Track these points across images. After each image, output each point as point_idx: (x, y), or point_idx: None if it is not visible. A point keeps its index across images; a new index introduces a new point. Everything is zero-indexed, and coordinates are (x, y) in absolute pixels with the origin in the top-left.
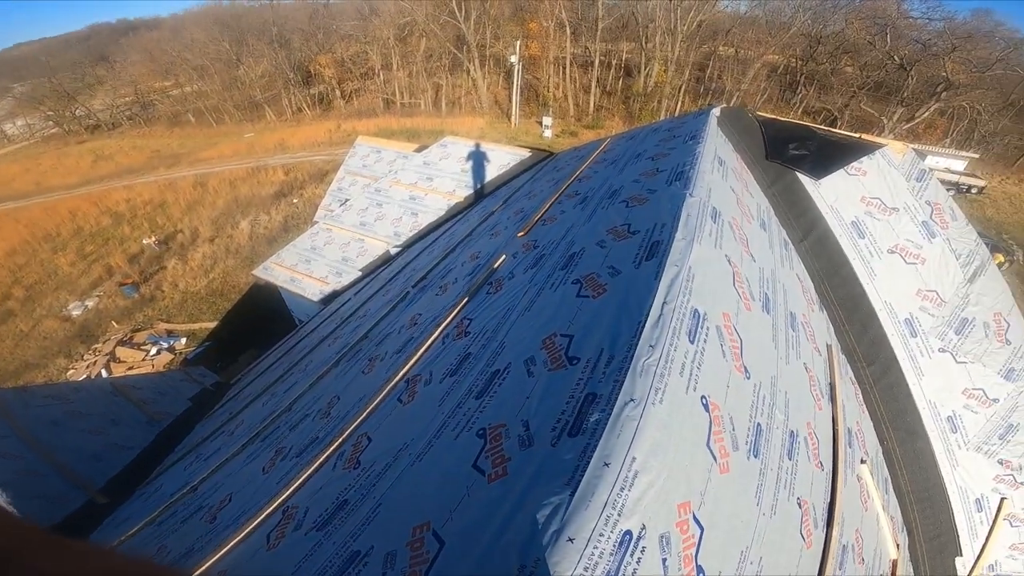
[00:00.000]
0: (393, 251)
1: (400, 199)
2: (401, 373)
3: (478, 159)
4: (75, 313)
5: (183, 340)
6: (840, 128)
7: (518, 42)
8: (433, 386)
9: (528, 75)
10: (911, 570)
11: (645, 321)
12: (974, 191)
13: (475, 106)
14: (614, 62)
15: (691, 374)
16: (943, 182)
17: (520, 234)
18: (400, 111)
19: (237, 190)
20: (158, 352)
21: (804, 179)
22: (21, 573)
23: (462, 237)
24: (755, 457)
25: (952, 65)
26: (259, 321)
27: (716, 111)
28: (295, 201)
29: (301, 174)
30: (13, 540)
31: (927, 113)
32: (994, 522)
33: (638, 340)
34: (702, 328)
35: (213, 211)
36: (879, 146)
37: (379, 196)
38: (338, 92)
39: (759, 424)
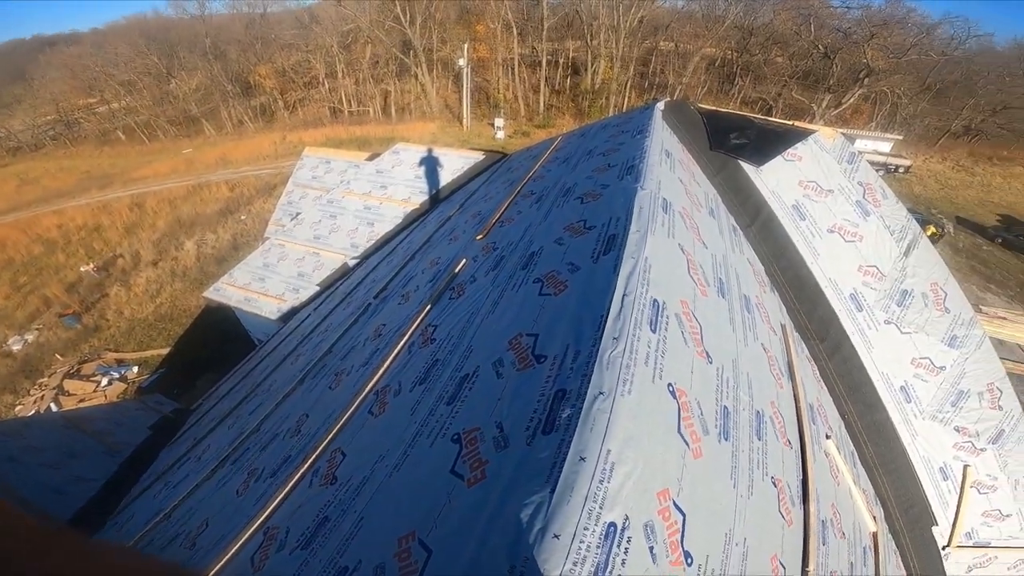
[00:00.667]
0: (351, 263)
1: (354, 209)
2: (370, 385)
3: (432, 165)
4: (15, 348)
5: (135, 369)
6: (776, 116)
7: (465, 45)
8: (403, 396)
9: (477, 77)
10: (892, 542)
11: (607, 314)
12: (901, 170)
13: (425, 111)
14: (561, 61)
15: (656, 363)
16: (873, 163)
17: (479, 237)
18: (348, 120)
19: (178, 209)
20: (109, 383)
21: (746, 166)
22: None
23: (420, 244)
24: (726, 440)
25: (871, 52)
26: (214, 344)
27: (660, 105)
28: (243, 218)
29: (247, 189)
30: (13, 538)
31: (852, 99)
32: (961, 490)
33: (602, 334)
34: (662, 317)
35: (154, 233)
36: (811, 132)
37: (332, 208)
38: (281, 103)
39: (726, 407)
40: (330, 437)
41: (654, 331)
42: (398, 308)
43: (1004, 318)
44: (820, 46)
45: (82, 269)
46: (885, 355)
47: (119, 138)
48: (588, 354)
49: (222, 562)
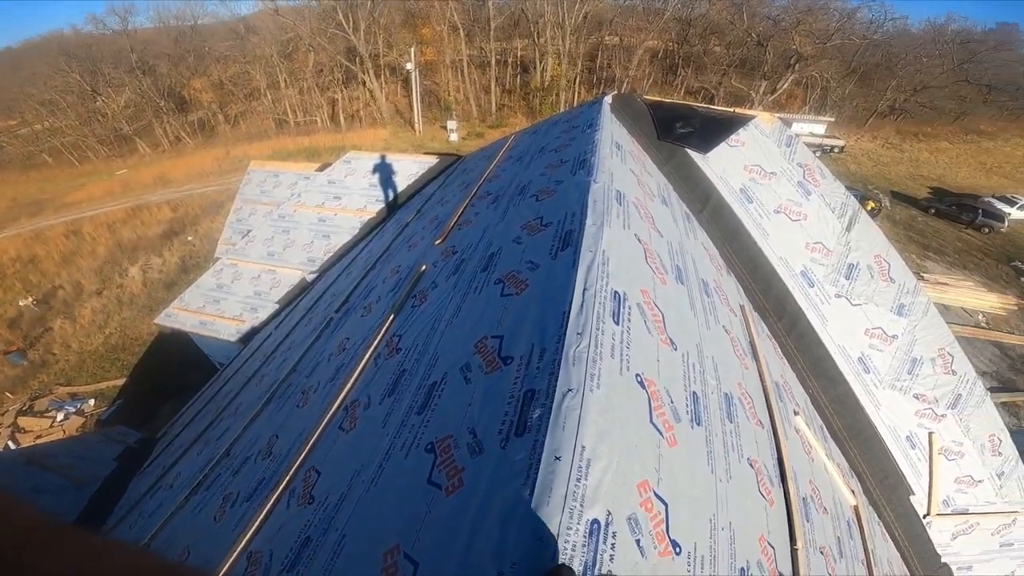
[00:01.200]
0: (310, 278)
1: (308, 223)
2: (338, 401)
3: (386, 172)
4: None
5: (91, 401)
6: (717, 104)
7: (412, 49)
8: (373, 409)
9: (427, 81)
10: (874, 515)
11: (569, 310)
12: (836, 150)
13: (376, 118)
14: (510, 60)
15: (622, 355)
16: (810, 145)
17: (438, 242)
18: (295, 130)
19: (118, 234)
20: (66, 417)
21: (693, 154)
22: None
23: (380, 253)
24: (698, 425)
25: (799, 38)
26: (173, 371)
27: (608, 99)
28: (190, 238)
29: (192, 208)
30: (13, 536)
31: (786, 84)
32: (931, 458)
33: (565, 330)
34: (624, 308)
35: (95, 261)
36: (751, 118)
37: (284, 222)
38: (221, 116)
39: (695, 392)
40: (303, 456)
41: (617, 323)
42: (361, 320)
43: (946, 284)
44: (753, 34)
45: (21, 303)
46: (840, 328)
47: (46, 161)
48: (554, 351)
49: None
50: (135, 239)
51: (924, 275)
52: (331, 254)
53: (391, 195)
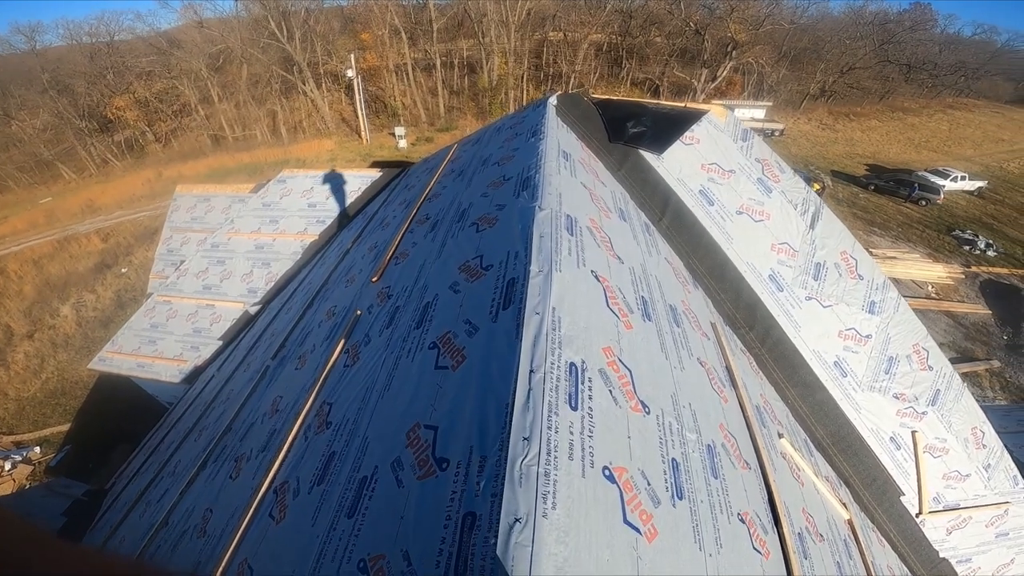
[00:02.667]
0: (252, 310)
1: (245, 251)
2: (267, 480)
3: (325, 190)
4: None
5: (37, 449)
6: (662, 94)
7: (351, 55)
8: (302, 498)
9: (372, 87)
10: (868, 522)
11: (513, 402)
12: (777, 134)
13: (320, 128)
14: (456, 61)
15: (583, 449)
16: (752, 130)
17: (374, 279)
18: (234, 146)
19: (46, 271)
20: (14, 466)
21: (648, 156)
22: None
23: (319, 285)
24: (681, 499)
25: (734, 25)
26: (119, 413)
27: (553, 100)
28: (124, 271)
29: (124, 237)
30: (8, 542)
31: (725, 72)
32: (916, 457)
33: (508, 433)
34: (584, 382)
35: (22, 301)
36: (703, 112)
37: (218, 252)
38: (151, 135)
39: (674, 459)
40: (233, 546)
41: (575, 408)
42: (295, 375)
43: (894, 257)
44: (691, 24)
45: None
46: (813, 332)
47: None
48: (495, 464)
49: None
50: (64, 275)
51: (872, 250)
52: (273, 283)
53: (333, 215)
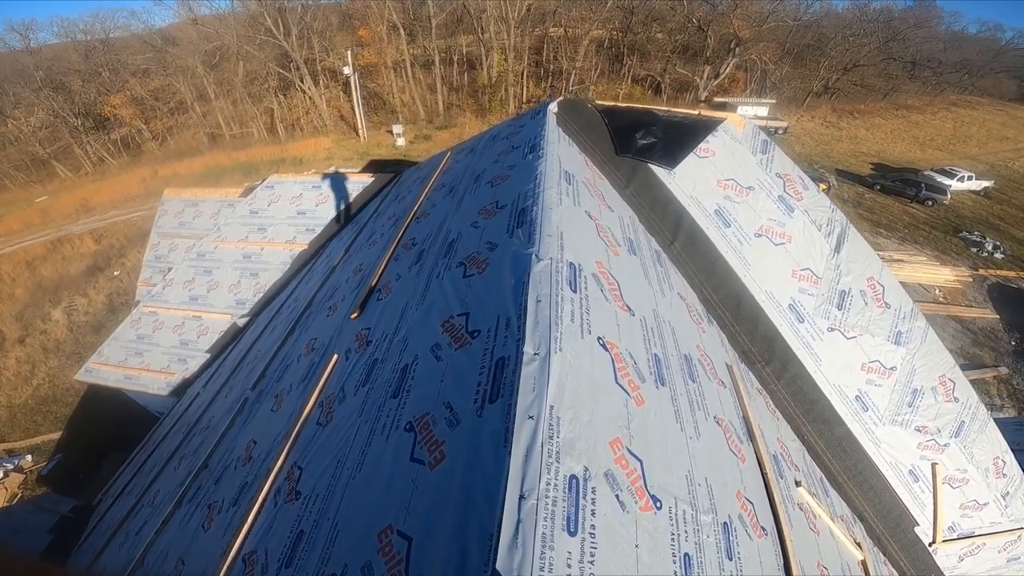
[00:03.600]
0: (240, 322)
1: (232, 260)
2: (237, 545)
3: (315, 196)
4: None
5: (28, 457)
6: (664, 92)
7: (348, 51)
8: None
9: (371, 83)
10: (880, 555)
11: (498, 537)
12: (780, 132)
13: (318, 126)
14: (455, 58)
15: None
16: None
17: (353, 315)
18: (230, 144)
19: (38, 273)
20: (5, 475)
21: (658, 170)
22: None
23: (304, 306)
24: None
25: (737, 22)
26: (111, 421)
27: (553, 107)
28: (116, 273)
29: (117, 238)
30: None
31: (728, 69)
32: (934, 488)
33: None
34: (586, 496)
35: (14, 305)
36: (719, 121)
37: (205, 262)
38: (147, 133)
39: (687, 554)
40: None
41: (574, 533)
42: (271, 417)
43: (901, 260)
44: (694, 20)
45: None
46: (834, 365)
47: None
48: None
49: None
50: (57, 277)
51: (879, 252)
52: (261, 295)
53: (322, 224)
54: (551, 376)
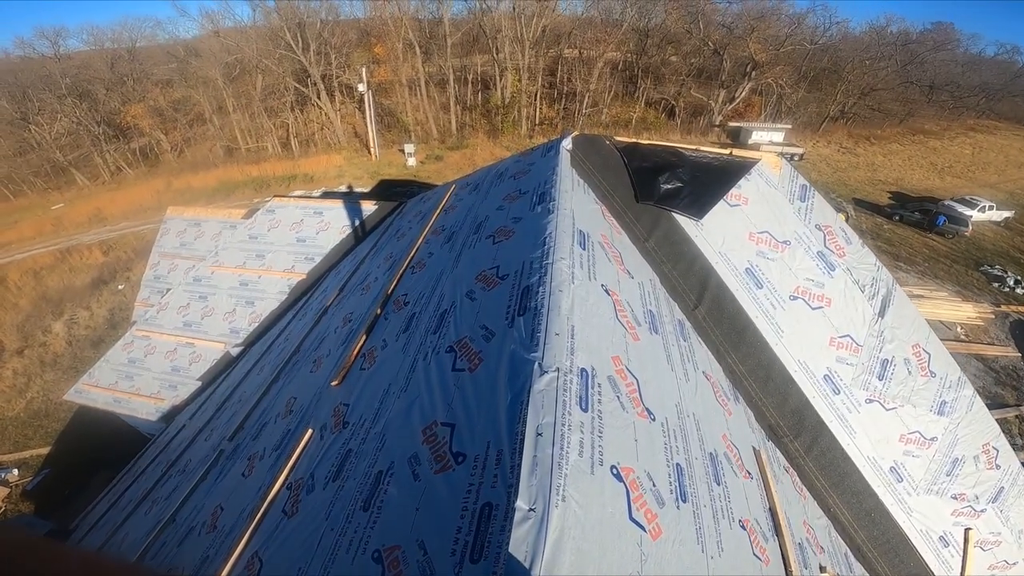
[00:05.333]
0: (234, 352)
1: (228, 287)
2: None
3: (316, 223)
4: None
5: (15, 471)
6: (679, 116)
7: (364, 68)
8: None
9: (386, 100)
10: None
11: None
12: (797, 158)
13: (331, 142)
14: (470, 77)
15: None
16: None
17: (334, 382)
18: (245, 158)
19: (44, 283)
20: None
21: (683, 220)
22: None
23: (292, 350)
24: None
25: (754, 45)
26: (102, 438)
27: (567, 143)
28: (120, 287)
29: (125, 251)
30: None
31: (744, 92)
32: (964, 552)
33: None
34: None
35: (17, 315)
36: (753, 163)
37: (201, 287)
38: (166, 144)
39: None
40: None
41: None
42: (242, 484)
43: (921, 296)
44: (709, 43)
45: None
46: (871, 438)
47: None
48: None
49: None
50: (62, 289)
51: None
52: (256, 324)
53: (322, 253)
54: (547, 540)
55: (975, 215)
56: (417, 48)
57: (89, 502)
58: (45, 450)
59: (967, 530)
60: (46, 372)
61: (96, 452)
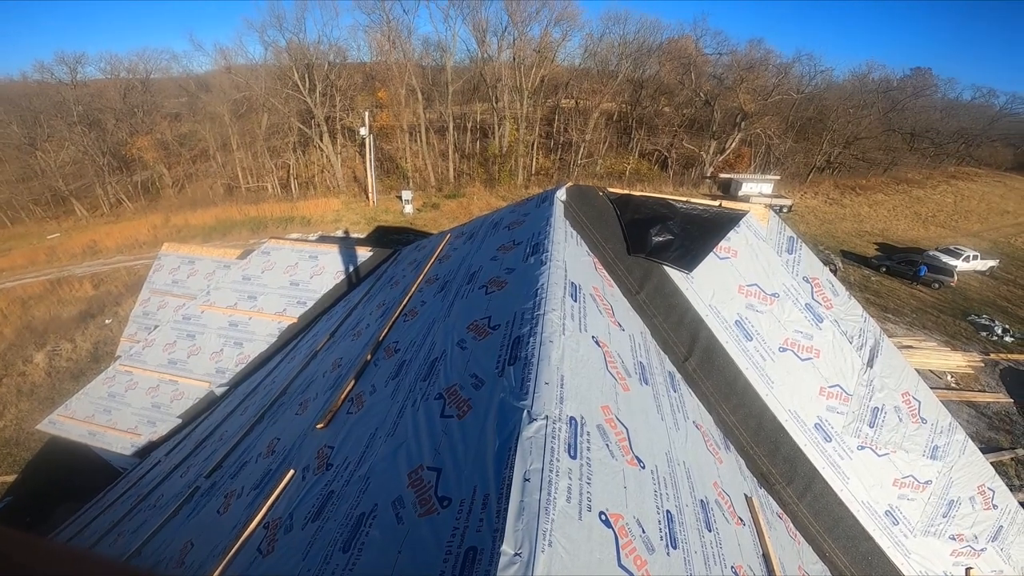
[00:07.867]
0: (218, 391)
1: (217, 327)
2: None
3: (310, 267)
4: None
5: None
6: (671, 167)
7: (366, 113)
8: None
9: (386, 145)
10: None
11: None
12: (785, 210)
13: (331, 185)
14: (469, 124)
15: None
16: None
17: (319, 425)
18: (244, 197)
19: (31, 312)
20: None
21: (674, 273)
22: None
23: (278, 393)
24: None
25: (743, 96)
26: (71, 470)
27: (561, 194)
28: (107, 322)
29: (116, 285)
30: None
31: (734, 143)
32: None
33: None
34: None
35: (0, 343)
36: (741, 215)
37: (189, 326)
38: (168, 178)
39: None
40: None
41: None
42: (216, 521)
43: (910, 346)
44: (701, 94)
45: None
46: (864, 483)
47: None
48: None
49: None
50: (47, 320)
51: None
52: (244, 365)
53: (315, 298)
54: None
55: (960, 265)
56: (419, 94)
57: (50, 531)
58: (11, 478)
59: (968, 569)
60: (21, 401)
61: (64, 483)
